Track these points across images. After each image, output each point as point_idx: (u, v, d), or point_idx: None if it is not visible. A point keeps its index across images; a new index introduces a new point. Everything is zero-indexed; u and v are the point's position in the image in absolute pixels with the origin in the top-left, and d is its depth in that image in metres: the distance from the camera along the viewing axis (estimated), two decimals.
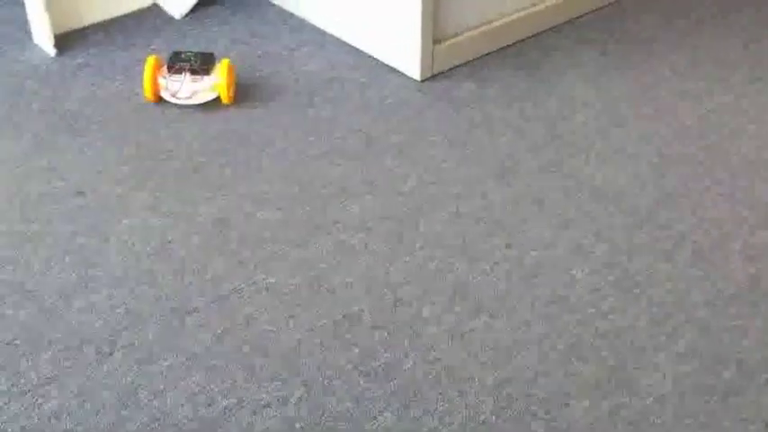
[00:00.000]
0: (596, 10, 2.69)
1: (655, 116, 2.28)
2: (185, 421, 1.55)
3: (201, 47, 2.51)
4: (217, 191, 2.04)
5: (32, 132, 2.20)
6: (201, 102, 2.27)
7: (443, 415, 1.57)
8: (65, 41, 2.53)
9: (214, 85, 2.27)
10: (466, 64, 2.46)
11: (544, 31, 2.59)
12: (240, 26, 2.62)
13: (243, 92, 2.35)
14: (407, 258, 1.87)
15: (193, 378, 1.62)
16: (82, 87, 2.36)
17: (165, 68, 2.29)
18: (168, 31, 2.59)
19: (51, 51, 2.48)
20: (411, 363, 1.66)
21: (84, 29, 2.59)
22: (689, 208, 2.00)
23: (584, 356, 1.67)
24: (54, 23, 2.48)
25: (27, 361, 1.65)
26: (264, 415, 1.57)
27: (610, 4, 2.72)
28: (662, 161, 2.13)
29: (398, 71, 2.43)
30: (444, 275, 1.83)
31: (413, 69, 2.39)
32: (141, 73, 2.29)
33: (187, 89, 2.26)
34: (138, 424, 1.55)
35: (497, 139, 2.20)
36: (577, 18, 2.66)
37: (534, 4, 2.54)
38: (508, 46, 2.53)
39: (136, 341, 1.69)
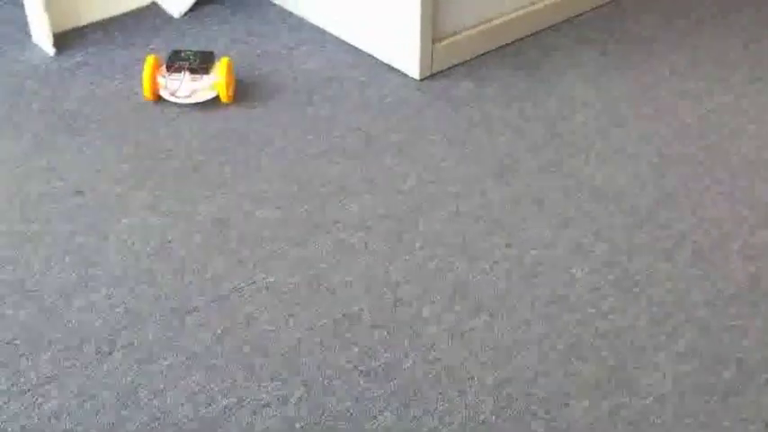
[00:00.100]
0: (595, 9, 2.69)
1: (655, 116, 2.28)
2: (185, 421, 1.55)
3: (201, 46, 2.51)
4: (216, 190, 2.04)
5: (32, 132, 2.20)
6: (201, 100, 2.27)
7: (443, 414, 1.57)
8: (64, 41, 2.53)
9: (213, 83, 2.27)
10: (465, 63, 2.46)
11: (543, 30, 2.59)
12: (239, 25, 2.62)
13: (242, 91, 2.34)
14: (407, 257, 1.87)
15: (193, 377, 1.62)
16: (81, 87, 2.36)
17: (164, 67, 2.29)
18: (167, 30, 2.59)
19: (50, 51, 2.48)
20: (411, 362, 1.66)
21: (83, 28, 2.59)
22: (689, 208, 2.00)
23: (584, 356, 1.67)
24: (53, 23, 2.47)
25: (27, 360, 1.65)
26: (264, 414, 1.56)
27: (609, 3, 2.72)
28: (662, 161, 2.14)
29: (397, 70, 2.43)
30: (444, 275, 1.83)
31: (412, 68, 2.39)
32: (140, 72, 2.29)
33: (186, 88, 2.26)
34: (137, 423, 1.55)
35: (497, 139, 2.20)
36: (576, 17, 2.66)
37: (533, 3, 2.54)
38: (507, 45, 2.53)
39: (136, 340, 1.69)
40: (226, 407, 1.58)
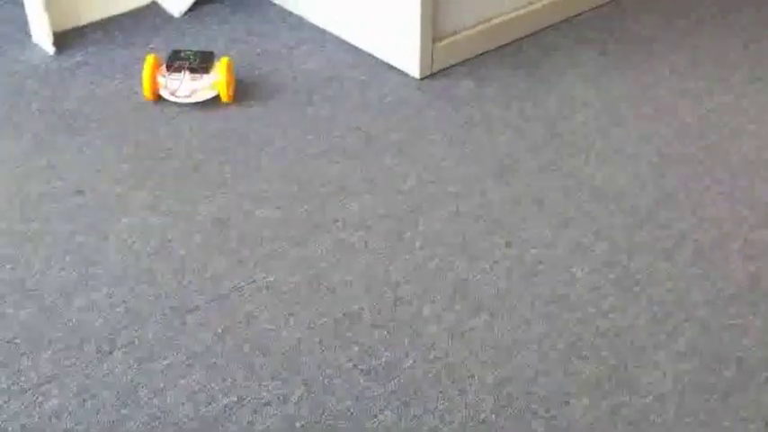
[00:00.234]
0: (595, 9, 2.69)
1: (655, 116, 2.29)
2: (185, 420, 1.55)
3: (201, 45, 2.51)
4: (216, 189, 2.04)
5: (32, 131, 2.20)
6: (201, 100, 2.27)
7: (444, 414, 1.57)
8: (64, 40, 2.53)
9: (213, 83, 2.27)
10: (465, 62, 2.46)
11: (543, 30, 2.60)
12: (239, 24, 2.62)
13: (242, 90, 2.35)
14: (407, 257, 1.87)
15: (194, 376, 1.62)
16: (81, 86, 2.36)
17: (164, 67, 2.29)
18: (167, 30, 2.59)
19: (50, 50, 2.48)
20: (411, 361, 1.66)
21: (84, 27, 2.59)
22: (689, 207, 2.00)
23: (584, 355, 1.67)
24: (53, 22, 2.48)
25: (27, 359, 1.65)
26: (265, 413, 1.57)
27: (608, 2, 2.72)
28: (662, 160, 2.14)
29: (398, 69, 2.43)
30: (444, 274, 1.83)
31: (412, 68, 2.39)
32: (140, 71, 2.29)
33: (186, 88, 2.26)
34: (138, 422, 1.55)
35: (497, 138, 2.20)
36: (576, 17, 2.66)
37: (532, 3, 2.54)
38: (507, 44, 2.53)
39: (136, 340, 1.69)
40: (226, 406, 1.58)
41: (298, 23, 2.62)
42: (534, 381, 1.63)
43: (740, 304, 1.77)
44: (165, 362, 1.65)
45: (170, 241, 1.90)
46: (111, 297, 1.77)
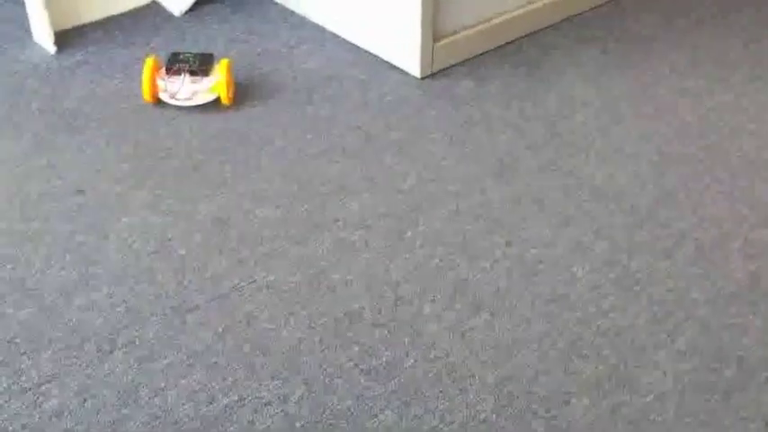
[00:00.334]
0: (595, 8, 2.69)
1: (655, 115, 2.29)
2: (186, 419, 1.55)
3: (201, 45, 2.51)
4: (216, 189, 2.04)
5: (32, 131, 2.20)
6: (201, 103, 2.26)
7: (444, 413, 1.57)
8: (64, 39, 2.53)
9: (213, 85, 2.26)
10: (465, 62, 2.46)
11: (543, 29, 2.60)
12: (240, 24, 2.62)
13: (242, 89, 2.34)
14: (407, 256, 1.87)
15: (194, 376, 1.62)
16: (81, 85, 2.36)
17: (163, 70, 2.29)
18: (167, 29, 2.59)
19: (51, 49, 2.48)
20: (412, 361, 1.66)
21: (84, 27, 2.59)
22: (689, 206, 2.00)
23: (584, 355, 1.67)
24: (53, 21, 2.48)
25: (28, 359, 1.65)
26: (265, 413, 1.57)
27: (608, 2, 2.72)
28: (662, 160, 2.14)
29: (398, 68, 2.43)
30: (445, 273, 1.83)
31: (412, 67, 2.39)
32: (141, 71, 2.29)
33: (186, 90, 2.26)
34: (138, 422, 1.55)
35: (497, 137, 2.20)
36: (576, 16, 2.66)
37: (532, 2, 2.54)
38: (507, 44, 2.53)
39: (136, 339, 1.69)
40: (226, 405, 1.58)
41: (298, 22, 2.62)
42: (535, 380, 1.63)
43: (740, 303, 1.77)
44: (166, 361, 1.65)
45: (170, 241, 1.90)
46: (111, 296, 1.77)
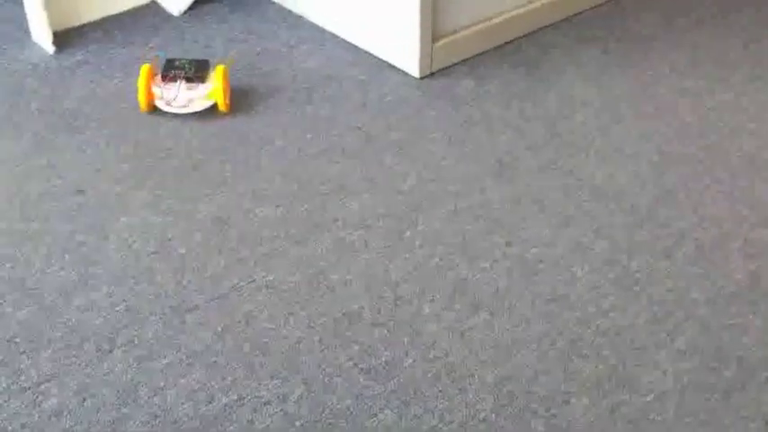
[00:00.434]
0: (594, 8, 2.69)
1: (655, 114, 2.28)
2: (185, 419, 1.55)
3: (200, 44, 2.51)
4: (216, 189, 2.04)
5: (31, 131, 2.20)
6: (197, 110, 2.24)
7: (443, 413, 1.57)
8: (63, 39, 2.53)
9: (210, 92, 2.24)
10: (465, 61, 2.46)
11: (542, 29, 2.59)
12: (238, 23, 2.62)
13: (241, 89, 2.34)
14: (407, 256, 1.87)
15: (193, 375, 1.62)
16: (81, 85, 2.36)
17: (159, 77, 2.26)
18: (166, 29, 2.59)
19: (50, 49, 2.48)
20: (411, 360, 1.66)
21: (83, 27, 2.59)
22: (689, 206, 2.00)
23: (584, 354, 1.67)
24: (52, 21, 2.47)
25: (27, 358, 1.65)
26: (265, 412, 1.56)
27: (608, 1, 2.72)
28: (662, 159, 2.14)
29: (397, 68, 2.43)
30: (444, 273, 1.83)
31: (412, 67, 2.39)
32: (139, 71, 2.28)
33: (183, 97, 2.23)
34: (138, 421, 1.54)
35: (497, 137, 2.20)
36: (575, 15, 2.66)
37: (531, 2, 2.54)
38: (507, 43, 2.53)
39: (136, 339, 1.69)
40: (226, 405, 1.57)
41: (297, 22, 2.62)
42: (534, 380, 1.62)
43: (740, 303, 1.77)
44: (165, 361, 1.65)
45: (170, 240, 1.90)
46: (110, 296, 1.77)
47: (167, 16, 2.65)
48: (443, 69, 2.43)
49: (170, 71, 2.26)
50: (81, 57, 2.47)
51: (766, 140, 2.20)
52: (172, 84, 2.25)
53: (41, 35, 2.48)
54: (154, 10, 2.67)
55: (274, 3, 2.71)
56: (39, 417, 1.55)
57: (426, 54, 2.37)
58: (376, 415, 1.57)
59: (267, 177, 2.07)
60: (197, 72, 2.27)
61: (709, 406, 1.58)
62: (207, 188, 2.04)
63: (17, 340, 1.68)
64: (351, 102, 2.31)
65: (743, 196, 2.03)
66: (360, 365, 1.65)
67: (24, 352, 1.66)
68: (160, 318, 1.73)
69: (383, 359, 1.66)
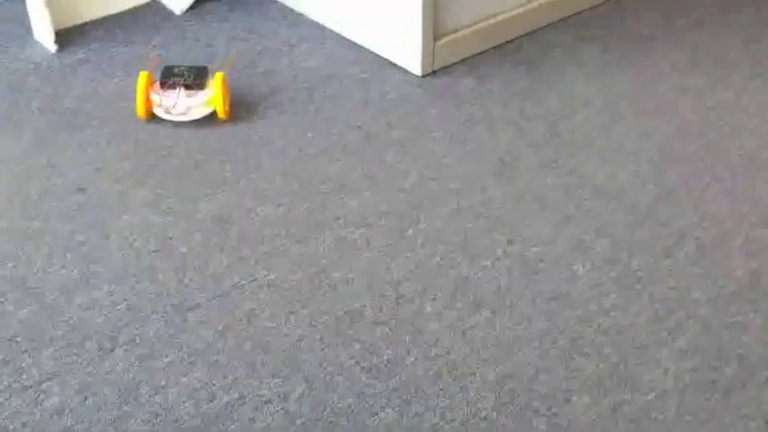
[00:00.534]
0: (595, 7, 2.69)
1: (655, 113, 2.29)
2: (187, 417, 1.55)
3: (202, 43, 2.51)
4: (217, 187, 2.04)
5: (33, 129, 2.20)
6: (196, 117, 2.21)
7: (445, 411, 1.57)
8: (65, 38, 2.53)
9: (209, 99, 2.21)
10: (466, 60, 2.46)
11: (543, 28, 2.60)
12: (239, 22, 2.62)
13: (242, 88, 2.34)
14: (408, 254, 1.87)
15: (195, 374, 1.62)
16: (82, 84, 2.36)
17: (157, 84, 2.23)
18: (168, 28, 2.59)
19: (52, 48, 2.48)
20: (413, 359, 1.66)
21: (84, 25, 2.59)
22: (690, 204, 2.00)
23: (585, 353, 1.67)
24: (54, 20, 2.47)
25: (29, 357, 1.65)
26: (266, 411, 1.57)
27: (608, 0, 2.72)
28: (663, 158, 2.14)
29: (399, 67, 2.43)
30: (446, 271, 1.83)
31: (413, 65, 2.39)
32: (142, 68, 2.28)
33: (182, 105, 2.20)
34: (139, 420, 1.55)
35: (498, 136, 2.20)
36: (576, 15, 2.66)
37: (532, 1, 2.54)
38: (508, 42, 2.53)
39: (137, 337, 1.69)
40: (227, 403, 1.58)
41: (298, 20, 2.62)
42: (535, 378, 1.63)
43: (741, 302, 1.77)
44: (167, 359, 1.65)
45: (171, 239, 1.90)
46: (112, 295, 1.77)
47: (168, 15, 2.65)
48: (445, 68, 2.43)
49: (169, 78, 2.23)
50: (82, 55, 2.47)
51: (767, 139, 2.20)
52: (170, 91, 2.21)
53: (43, 34, 2.48)
54: (155, 9, 2.67)
55: (275, 1, 2.71)
56: (40, 415, 1.55)
57: (428, 52, 2.37)
58: (377, 413, 1.57)
59: (268, 176, 2.07)
60: (196, 79, 2.23)
61: (710, 405, 1.58)
62: (208, 187, 2.04)
63: (18, 339, 1.68)
64: (352, 100, 2.31)
65: (744, 195, 2.03)
66: (361, 364, 1.65)
67: (26, 350, 1.66)
68: (161, 316, 1.73)
69: (385, 357, 1.66)
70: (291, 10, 2.67)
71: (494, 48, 2.51)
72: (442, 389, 1.61)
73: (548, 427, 1.55)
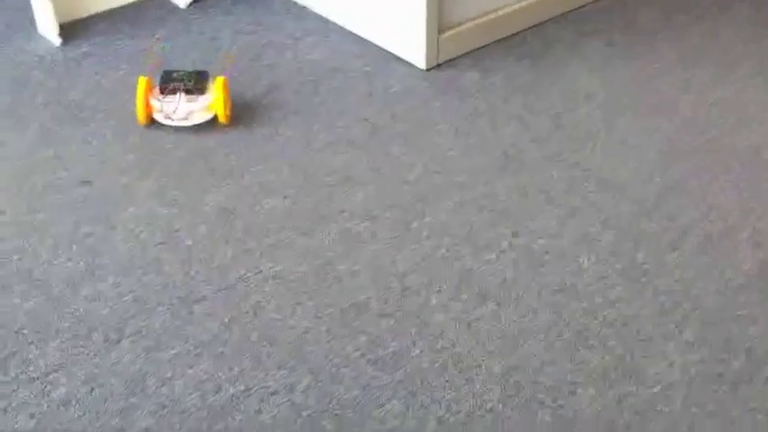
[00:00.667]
0: (598, 1, 2.69)
1: (659, 106, 2.28)
2: (193, 409, 1.55)
3: (206, 36, 2.51)
4: (222, 180, 2.04)
5: (38, 122, 2.20)
6: (197, 122, 2.18)
7: (450, 403, 1.57)
8: (69, 31, 2.53)
9: (210, 104, 2.18)
10: (470, 53, 2.46)
11: (547, 21, 2.59)
12: (244, 15, 2.62)
13: (247, 81, 2.34)
14: (414, 247, 1.87)
15: (201, 366, 1.62)
16: (86, 77, 2.36)
17: (157, 90, 2.19)
18: (172, 21, 2.59)
19: (56, 41, 2.48)
20: (418, 351, 1.66)
21: (89, 18, 2.59)
22: (696, 197, 2.00)
23: (590, 345, 1.67)
24: (58, 13, 2.47)
25: (35, 348, 1.65)
26: (272, 403, 1.57)
27: None
28: (668, 151, 2.13)
29: (403, 60, 2.42)
30: (451, 264, 1.83)
31: (418, 58, 2.39)
32: (145, 61, 2.28)
33: (183, 110, 2.17)
34: (145, 411, 1.55)
35: (502, 129, 2.20)
36: (579, 8, 2.65)
37: None
38: (512, 36, 2.53)
39: (143, 329, 1.69)
40: (233, 395, 1.58)
41: (302, 14, 2.62)
42: (541, 370, 1.63)
43: (748, 294, 1.77)
44: (173, 351, 1.65)
45: (177, 231, 1.90)
46: (118, 287, 1.77)
47: (173, 8, 2.65)
48: (449, 61, 2.43)
49: (168, 83, 2.19)
50: (87, 48, 2.47)
51: None
52: (171, 96, 2.17)
53: (47, 27, 2.48)
54: (159, 2, 2.67)
55: None
56: (47, 406, 1.55)
57: (432, 46, 2.37)
58: (383, 405, 1.57)
59: (273, 168, 2.07)
60: (196, 84, 2.19)
61: (717, 397, 1.58)
62: (213, 179, 2.04)
63: (25, 331, 1.68)
64: (356, 93, 2.31)
65: (750, 187, 2.03)
66: (367, 356, 1.65)
67: (32, 342, 1.66)
68: (167, 308, 1.73)
69: (390, 350, 1.66)
70: (295, 3, 2.67)
71: (498, 41, 2.51)
72: (447, 381, 1.61)
73: (553, 419, 1.55)
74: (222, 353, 1.65)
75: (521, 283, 1.79)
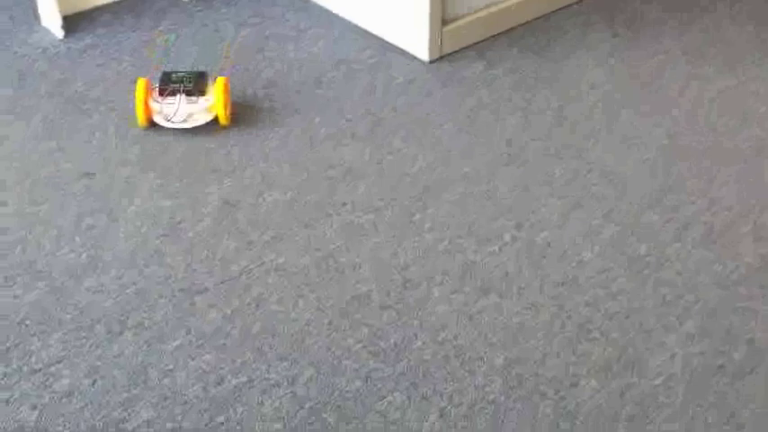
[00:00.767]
0: None
1: (663, 99, 2.28)
2: (195, 400, 1.56)
3: (209, 28, 2.51)
4: (225, 172, 2.04)
5: (41, 114, 2.21)
6: (198, 124, 2.15)
7: (452, 395, 1.57)
8: (72, 23, 2.53)
9: (210, 106, 2.16)
10: (474, 45, 2.46)
11: (551, 13, 2.59)
12: (247, 7, 2.61)
13: (250, 74, 2.34)
14: (416, 239, 1.87)
15: (203, 357, 1.63)
16: (90, 69, 2.36)
17: (156, 92, 2.16)
18: (175, 13, 2.59)
19: (59, 33, 2.48)
20: (420, 343, 1.66)
21: (92, 11, 2.59)
22: (698, 190, 2.00)
23: (592, 337, 1.67)
24: (61, 5, 2.48)
25: (38, 340, 1.65)
26: (274, 394, 1.57)
27: None
28: (671, 143, 2.13)
29: (407, 52, 2.42)
30: (453, 256, 1.83)
31: (421, 51, 2.39)
32: (148, 53, 2.28)
33: (183, 112, 2.14)
34: (148, 403, 1.55)
35: (505, 121, 2.19)
36: (584, 0, 2.65)
37: None
38: (515, 27, 2.53)
39: (146, 321, 1.69)
40: (235, 386, 1.58)
41: (305, 6, 2.62)
42: (543, 362, 1.63)
43: (750, 287, 1.77)
44: (175, 343, 1.65)
45: (179, 223, 1.90)
46: (120, 279, 1.77)
47: (176, 0, 2.65)
48: (453, 53, 2.42)
49: (168, 85, 2.16)
50: (90, 41, 2.47)
51: None
52: (171, 98, 2.14)
53: (51, 19, 2.49)
54: None
55: None
56: (50, 398, 1.56)
57: (436, 38, 2.37)
58: (385, 397, 1.57)
59: (276, 161, 2.07)
60: (196, 85, 2.16)
61: (718, 389, 1.58)
62: (216, 172, 2.04)
63: (27, 322, 1.69)
64: (359, 86, 2.31)
65: (752, 180, 2.02)
66: (369, 348, 1.65)
67: (35, 334, 1.67)
68: (170, 300, 1.73)
69: (392, 341, 1.66)
70: None
71: (501, 34, 2.51)
72: (449, 373, 1.61)
73: (555, 410, 1.55)
74: (224, 345, 1.65)
75: (523, 275, 1.79)
